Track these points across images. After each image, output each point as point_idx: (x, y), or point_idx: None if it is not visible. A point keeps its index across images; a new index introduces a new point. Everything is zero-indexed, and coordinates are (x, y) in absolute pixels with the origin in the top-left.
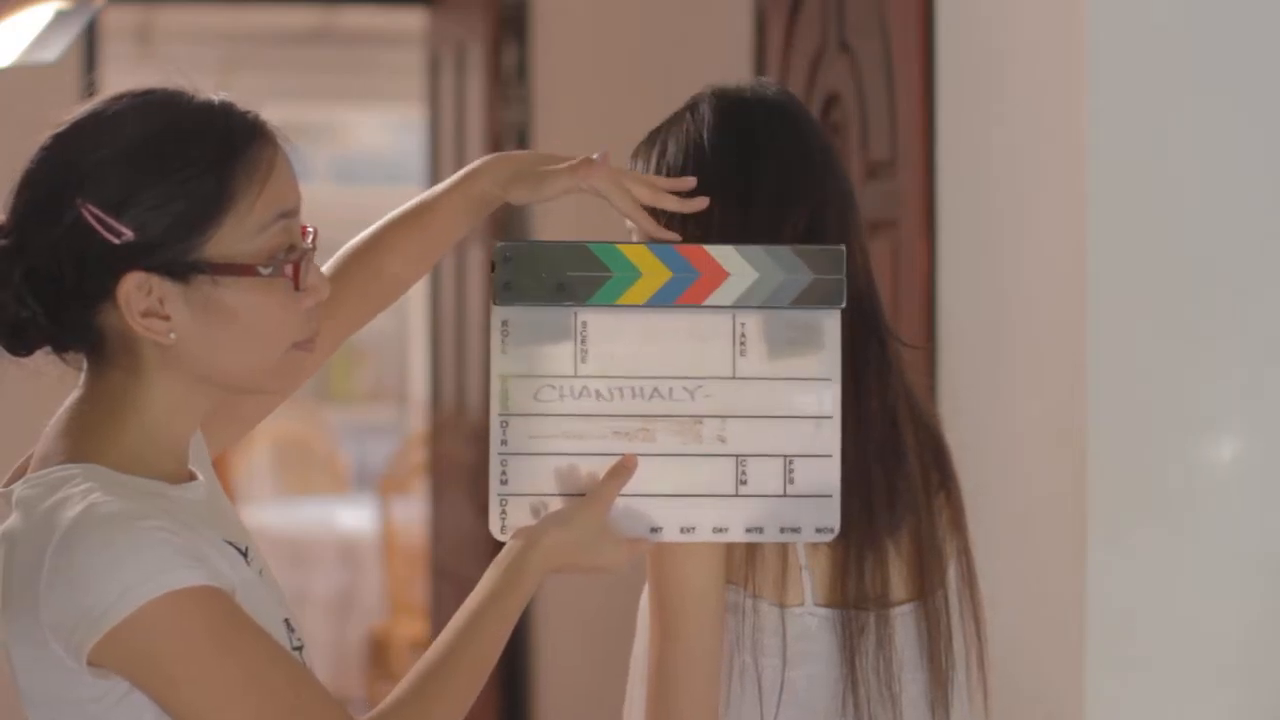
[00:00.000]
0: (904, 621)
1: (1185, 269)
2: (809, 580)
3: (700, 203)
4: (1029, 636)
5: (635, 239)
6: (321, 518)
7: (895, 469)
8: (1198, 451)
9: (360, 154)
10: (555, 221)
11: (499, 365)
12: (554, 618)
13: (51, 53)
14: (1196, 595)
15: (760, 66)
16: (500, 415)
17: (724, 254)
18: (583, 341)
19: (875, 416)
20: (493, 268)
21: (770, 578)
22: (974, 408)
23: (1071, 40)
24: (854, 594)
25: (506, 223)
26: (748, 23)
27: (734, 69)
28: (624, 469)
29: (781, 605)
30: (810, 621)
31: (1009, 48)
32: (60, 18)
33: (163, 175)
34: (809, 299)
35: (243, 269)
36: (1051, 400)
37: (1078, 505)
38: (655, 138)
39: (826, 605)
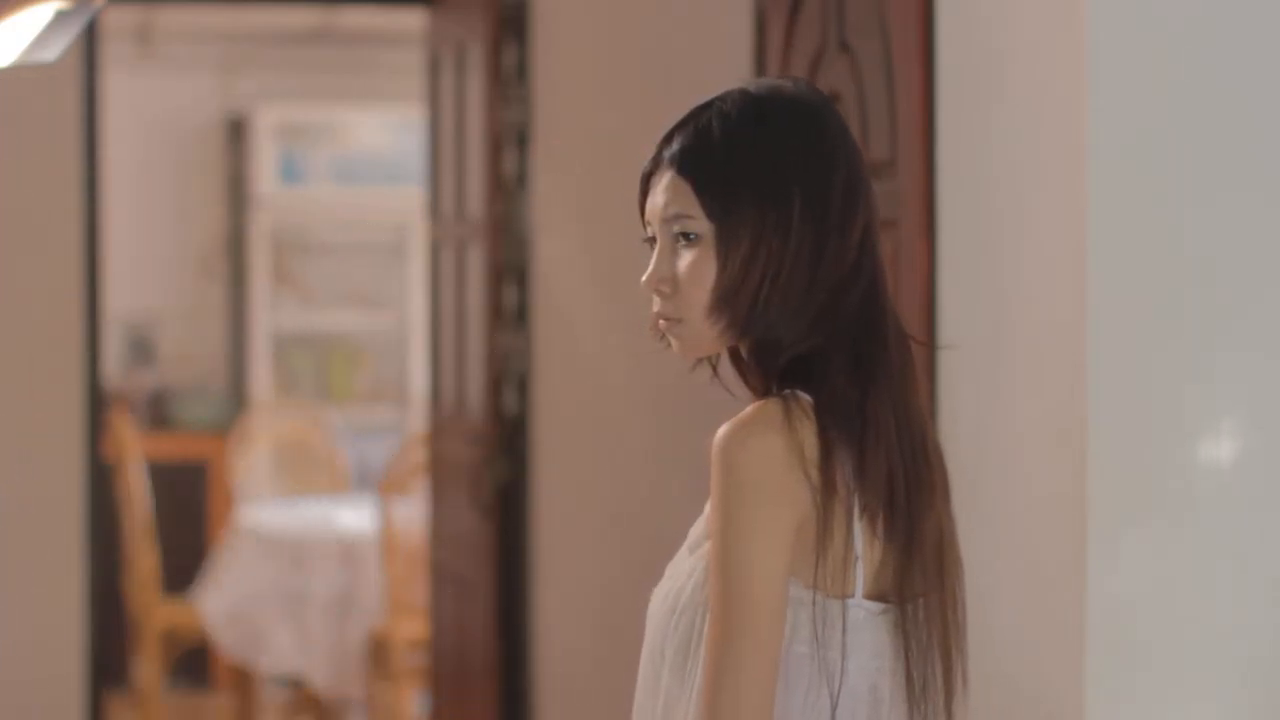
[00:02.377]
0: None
1: (1185, 269)
2: (861, 573)
3: None
4: (1029, 636)
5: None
6: (321, 518)
7: (937, 465)
8: (1198, 451)
9: (360, 154)
10: (555, 237)
11: None
12: (555, 617)
13: (51, 53)
14: (1196, 595)
15: (760, 66)
16: None
17: None
18: None
19: (917, 413)
20: None
21: (832, 572)
22: (974, 408)
23: (1071, 40)
24: (902, 587)
25: (505, 240)
26: (748, 23)
27: (734, 69)
28: None
29: (840, 598)
30: (858, 613)
31: (1009, 48)
32: (60, 18)
33: None
34: None
35: None
36: (1051, 400)
37: (1078, 505)
38: (700, 125)
39: (869, 598)
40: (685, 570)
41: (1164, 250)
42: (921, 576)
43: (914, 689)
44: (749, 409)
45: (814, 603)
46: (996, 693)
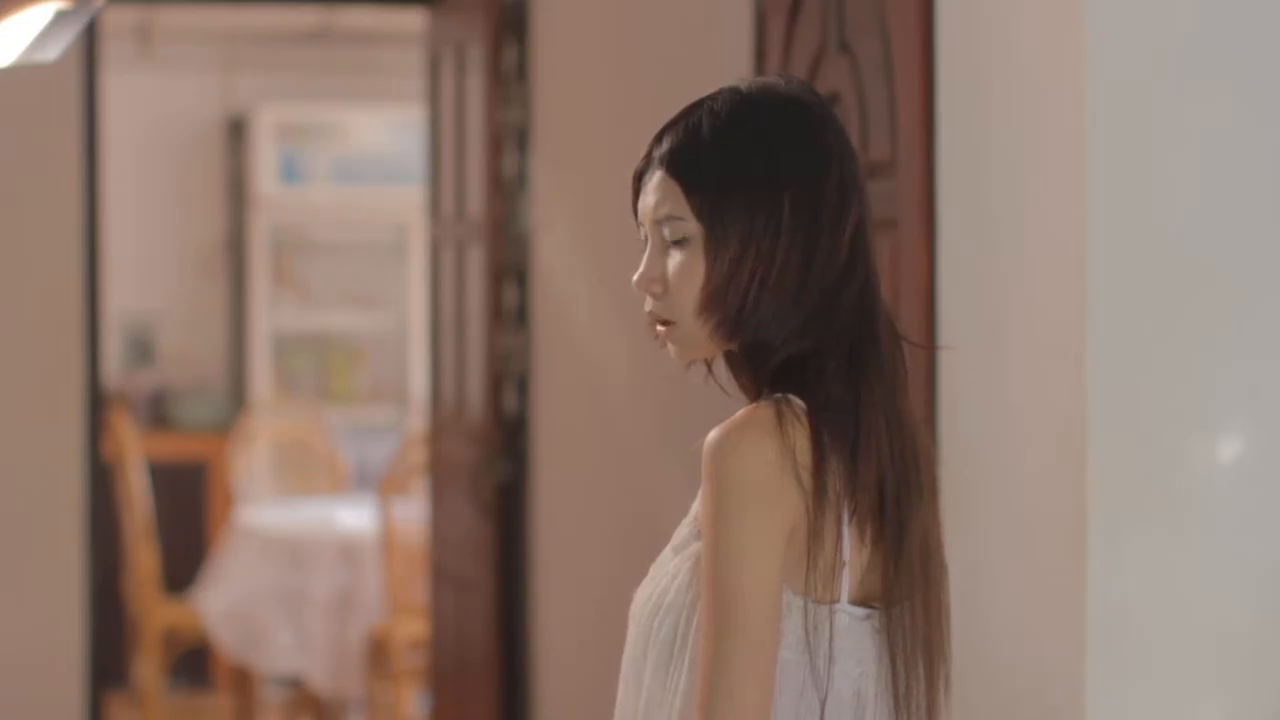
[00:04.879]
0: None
1: (1185, 269)
2: (847, 579)
3: None
4: (1029, 636)
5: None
6: (321, 518)
7: (925, 468)
8: (1198, 451)
9: (360, 154)
10: (555, 237)
11: None
12: (555, 617)
13: (51, 53)
14: (1196, 595)
15: (760, 66)
16: None
17: None
18: None
19: (908, 415)
20: None
21: (821, 577)
22: (974, 408)
23: (1071, 40)
24: (888, 591)
25: (505, 240)
26: (748, 23)
27: (734, 69)
28: None
29: (828, 603)
30: (843, 619)
31: (1009, 48)
32: (60, 18)
33: None
34: None
35: None
36: (1051, 400)
37: (1078, 505)
38: (689, 125)
39: (854, 602)
40: (670, 571)
41: (1164, 250)
42: (908, 581)
43: (898, 693)
44: (740, 413)
45: (804, 609)
46: (996, 692)
